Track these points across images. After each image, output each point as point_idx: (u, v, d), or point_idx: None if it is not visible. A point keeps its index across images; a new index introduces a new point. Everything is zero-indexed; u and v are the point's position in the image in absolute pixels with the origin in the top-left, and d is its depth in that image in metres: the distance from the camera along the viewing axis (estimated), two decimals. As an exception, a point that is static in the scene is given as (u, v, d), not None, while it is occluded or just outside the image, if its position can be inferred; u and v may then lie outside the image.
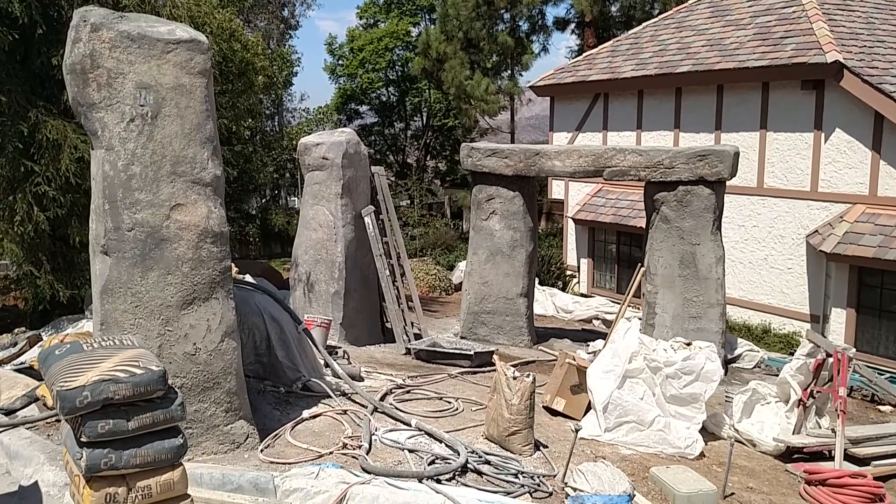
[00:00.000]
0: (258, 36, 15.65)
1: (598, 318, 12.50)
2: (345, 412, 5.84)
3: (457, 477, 4.79)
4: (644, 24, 15.79)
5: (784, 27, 12.09)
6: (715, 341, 7.98)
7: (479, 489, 4.65)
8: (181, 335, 4.81)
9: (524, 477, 4.95)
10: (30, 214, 9.08)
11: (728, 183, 8.78)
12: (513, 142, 23.61)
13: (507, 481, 4.85)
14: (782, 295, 11.79)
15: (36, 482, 4.33)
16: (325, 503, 4.18)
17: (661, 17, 15.79)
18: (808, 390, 6.68)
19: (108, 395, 2.93)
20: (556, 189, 16.39)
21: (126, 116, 4.63)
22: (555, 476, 5.11)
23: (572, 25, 22.80)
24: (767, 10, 12.95)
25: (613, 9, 21.99)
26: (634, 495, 4.83)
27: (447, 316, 12.25)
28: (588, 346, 9.50)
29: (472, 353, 8.32)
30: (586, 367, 6.57)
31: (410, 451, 5.15)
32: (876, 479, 5.65)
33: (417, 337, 9.62)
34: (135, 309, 4.72)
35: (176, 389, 3.22)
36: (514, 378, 5.48)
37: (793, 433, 6.60)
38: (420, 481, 4.52)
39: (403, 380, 7.21)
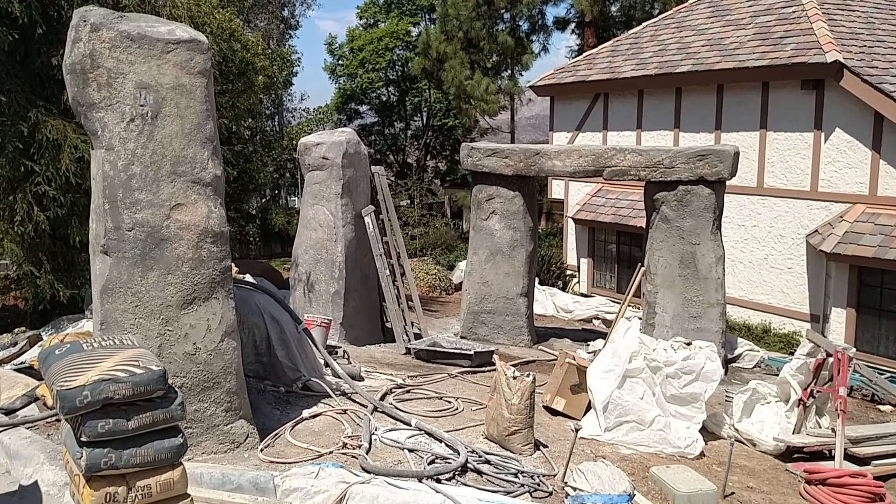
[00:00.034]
0: (258, 36, 15.64)
1: (598, 318, 12.50)
2: (345, 412, 5.84)
3: (457, 476, 4.79)
4: (644, 23, 15.79)
5: (784, 27, 12.09)
6: (715, 341, 7.98)
7: (479, 489, 4.65)
8: (181, 335, 4.81)
9: (524, 476, 4.96)
10: (30, 214, 9.07)
11: (728, 183, 8.78)
12: (513, 141, 23.59)
13: (507, 481, 4.85)
14: (782, 295, 11.79)
15: (36, 482, 4.33)
16: (325, 503, 4.18)
17: (661, 16, 15.79)
18: (809, 390, 6.68)
19: (108, 394, 2.93)
20: (556, 189, 16.39)
21: (126, 116, 4.63)
22: (555, 476, 5.11)
23: (572, 25, 22.81)
24: (767, 10, 12.95)
25: (613, 9, 22.00)
26: (634, 495, 4.83)
27: (447, 316, 12.25)
28: (588, 345, 9.50)
29: (472, 352, 8.32)
30: (586, 367, 6.56)
31: (410, 450, 5.15)
32: (876, 478, 5.64)
33: (417, 337, 9.61)
34: (135, 309, 4.72)
35: (176, 389, 3.22)
36: (514, 378, 5.48)
37: (793, 433, 6.60)
38: (420, 481, 4.52)
39: (403, 379, 7.21)
